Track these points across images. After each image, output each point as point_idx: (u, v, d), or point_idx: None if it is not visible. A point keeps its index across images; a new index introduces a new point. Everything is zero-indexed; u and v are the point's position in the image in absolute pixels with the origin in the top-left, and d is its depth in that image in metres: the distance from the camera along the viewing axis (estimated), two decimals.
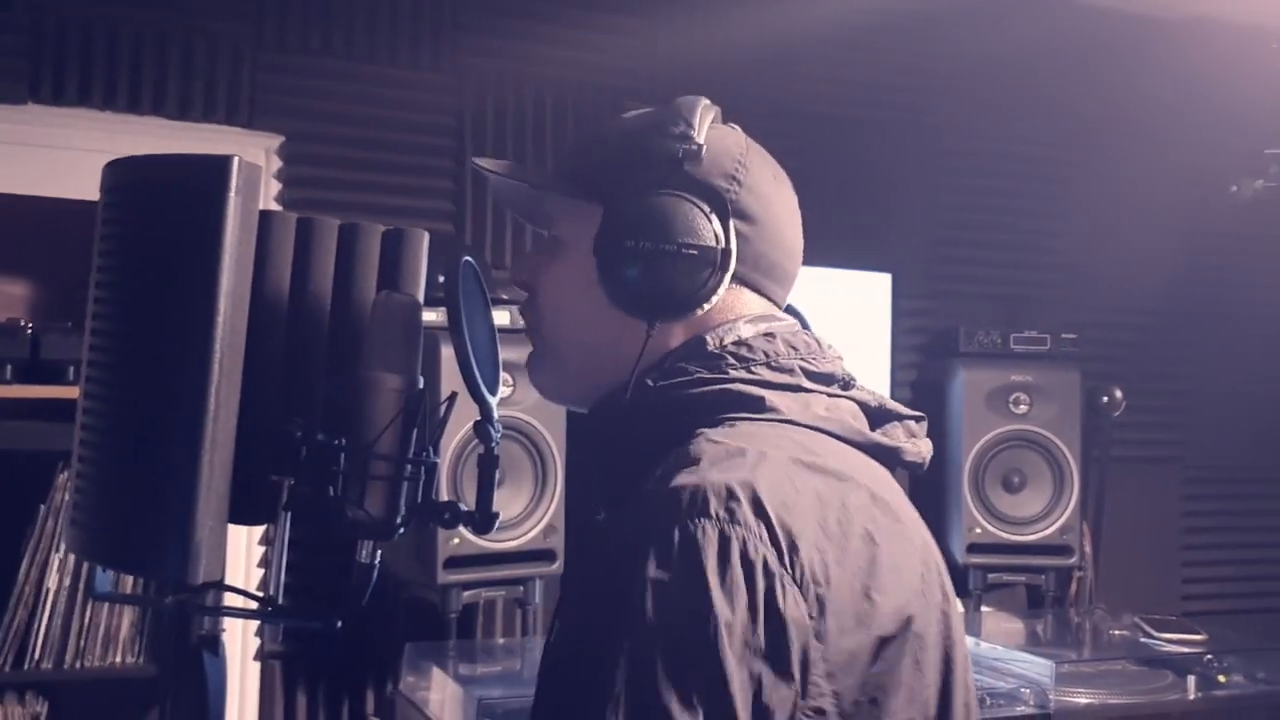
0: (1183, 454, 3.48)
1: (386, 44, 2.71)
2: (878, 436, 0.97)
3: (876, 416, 1.00)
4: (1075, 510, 2.87)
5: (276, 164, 2.61)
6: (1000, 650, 2.48)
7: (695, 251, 0.93)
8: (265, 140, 2.61)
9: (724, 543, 0.79)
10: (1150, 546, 3.38)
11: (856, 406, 0.98)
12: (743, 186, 0.99)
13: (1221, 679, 2.45)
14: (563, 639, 0.89)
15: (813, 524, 0.83)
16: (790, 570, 0.80)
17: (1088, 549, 3.01)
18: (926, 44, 3.20)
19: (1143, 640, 2.63)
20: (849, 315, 2.85)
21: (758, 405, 0.92)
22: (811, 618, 0.80)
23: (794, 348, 0.97)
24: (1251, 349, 3.52)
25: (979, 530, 2.83)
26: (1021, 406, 2.88)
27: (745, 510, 0.80)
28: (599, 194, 0.98)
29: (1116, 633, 2.75)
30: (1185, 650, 2.53)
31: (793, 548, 0.81)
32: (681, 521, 0.80)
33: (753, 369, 0.94)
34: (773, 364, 0.95)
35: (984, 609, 2.91)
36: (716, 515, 0.80)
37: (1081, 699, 2.31)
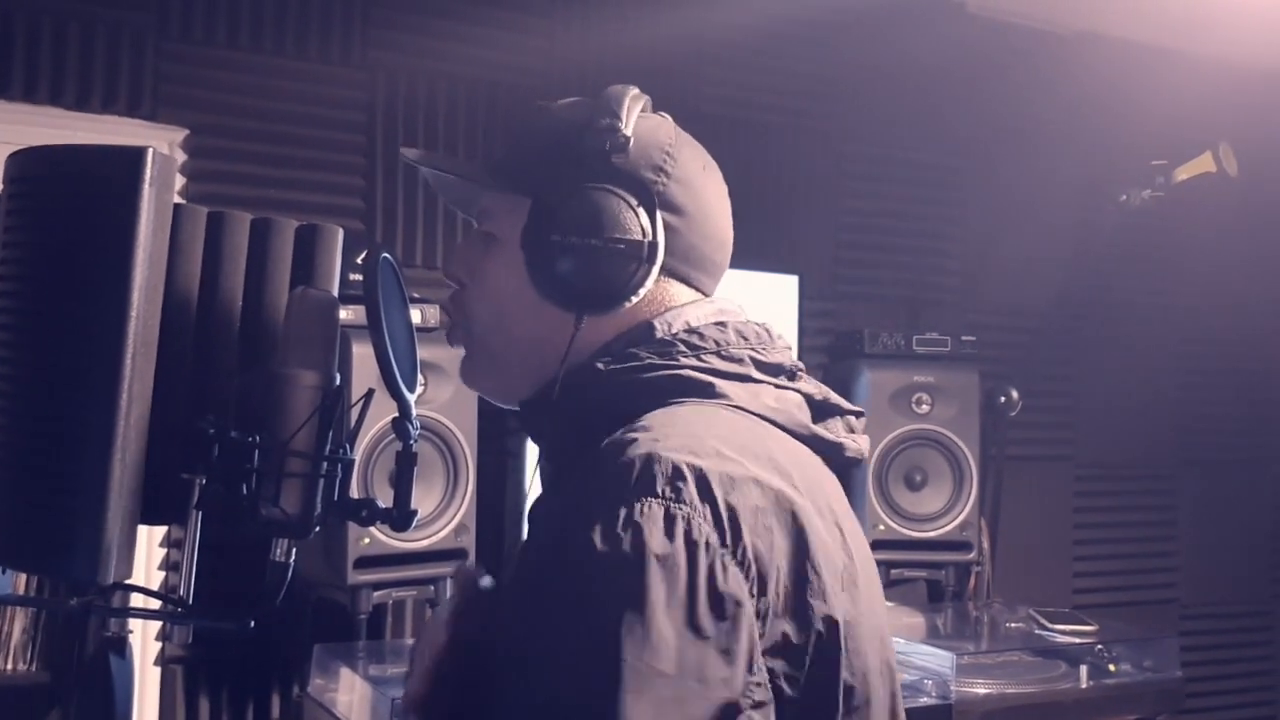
0: (1074, 452, 3.60)
1: (295, 36, 2.67)
2: (819, 430, 0.99)
3: (819, 410, 1.01)
4: (974, 507, 2.94)
5: (181, 158, 2.55)
6: (903, 643, 2.54)
7: (622, 246, 0.93)
8: (169, 133, 2.54)
9: (669, 521, 0.80)
10: (1043, 542, 3.49)
11: (802, 399, 0.99)
12: (671, 178, 0.99)
13: (1111, 668, 2.55)
14: (512, 592, 0.90)
15: (754, 507, 0.84)
16: (732, 550, 0.81)
17: (985, 545, 3.09)
18: (830, 51, 3.26)
19: (1037, 632, 2.72)
20: (758, 316, 2.88)
21: (708, 390, 0.93)
22: (752, 595, 0.81)
23: (745, 337, 0.98)
24: (1138, 352, 3.67)
25: (882, 527, 2.88)
26: (923, 406, 2.94)
27: (691, 490, 0.82)
28: (528, 187, 0.98)
29: (1012, 625, 2.83)
30: (1077, 641, 2.62)
31: (735, 528, 0.82)
32: (628, 498, 0.81)
33: (703, 357, 0.95)
34: (723, 353, 0.96)
35: (887, 604, 2.97)
36: (663, 493, 0.81)
37: (981, 689, 2.38)
